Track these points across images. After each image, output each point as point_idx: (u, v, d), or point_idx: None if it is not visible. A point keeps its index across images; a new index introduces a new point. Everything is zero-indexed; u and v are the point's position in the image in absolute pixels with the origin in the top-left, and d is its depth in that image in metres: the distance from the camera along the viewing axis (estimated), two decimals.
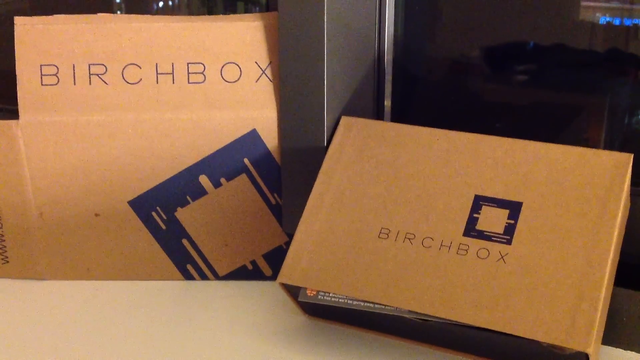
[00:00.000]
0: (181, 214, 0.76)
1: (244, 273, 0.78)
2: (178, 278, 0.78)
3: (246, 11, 0.91)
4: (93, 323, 0.70)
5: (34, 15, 0.73)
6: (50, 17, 0.73)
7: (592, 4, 0.71)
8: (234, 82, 0.73)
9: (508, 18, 0.75)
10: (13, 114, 0.74)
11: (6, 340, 0.68)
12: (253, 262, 0.77)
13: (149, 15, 0.73)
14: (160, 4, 1.03)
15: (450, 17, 0.80)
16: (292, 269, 0.64)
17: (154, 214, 0.76)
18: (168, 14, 0.95)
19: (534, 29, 0.74)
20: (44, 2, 1.07)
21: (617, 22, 0.70)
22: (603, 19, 0.70)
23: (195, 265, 0.77)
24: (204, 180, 0.75)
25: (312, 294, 0.63)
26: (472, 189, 0.62)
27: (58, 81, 0.73)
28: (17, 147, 0.74)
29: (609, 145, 0.72)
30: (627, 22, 0.69)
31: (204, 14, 0.95)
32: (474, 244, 0.60)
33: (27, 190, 0.75)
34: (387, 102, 0.79)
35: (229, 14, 0.74)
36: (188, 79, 0.73)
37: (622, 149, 0.60)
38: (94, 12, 0.74)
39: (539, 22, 0.73)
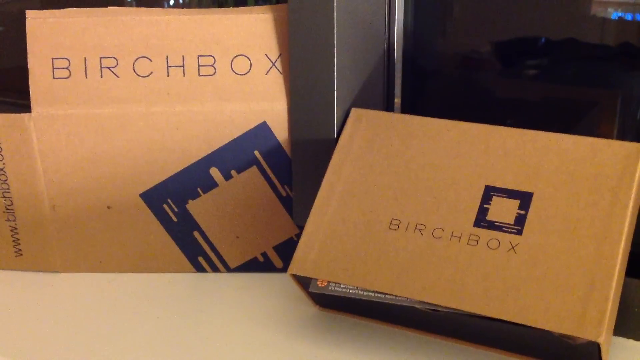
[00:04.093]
0: (192, 206, 0.76)
1: (255, 265, 0.78)
2: (189, 270, 0.78)
3: (257, 5, 0.91)
4: (105, 315, 0.71)
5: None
6: (61, 10, 0.73)
7: None
8: (244, 74, 0.73)
9: (519, 12, 0.75)
10: (25, 107, 0.74)
11: (20, 332, 0.68)
12: (264, 254, 0.78)
13: (159, 8, 0.74)
14: (171, 1, 1.03)
15: (461, 10, 0.79)
16: (302, 260, 0.64)
17: (165, 206, 0.76)
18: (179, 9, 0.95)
19: (546, 24, 0.73)
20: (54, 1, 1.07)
21: (629, 17, 0.70)
22: (615, 14, 0.70)
23: (207, 257, 0.78)
24: (214, 172, 0.75)
25: (322, 285, 0.63)
26: (483, 180, 0.62)
27: (70, 74, 0.73)
28: (30, 140, 0.74)
29: (621, 140, 0.72)
30: None
31: (214, 7, 0.96)
32: (485, 234, 0.60)
33: (40, 183, 0.75)
34: (397, 95, 0.79)
35: (239, 7, 0.74)
36: (198, 71, 0.73)
37: None
38: (105, 6, 0.74)
39: (550, 17, 0.73)
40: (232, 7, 0.95)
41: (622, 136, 0.72)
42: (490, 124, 0.65)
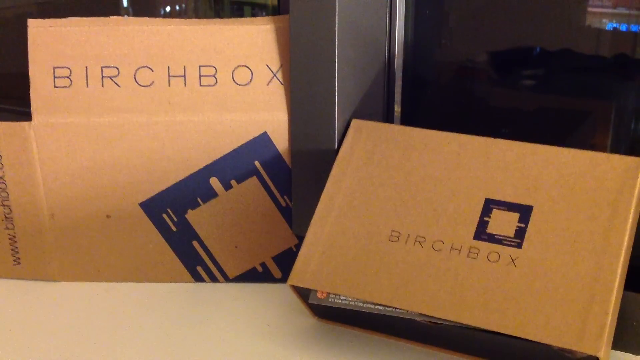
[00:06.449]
0: (192, 216, 0.76)
1: (254, 275, 0.78)
2: (188, 280, 0.78)
3: (253, 15, 0.91)
4: (103, 324, 0.70)
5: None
6: (63, 19, 0.73)
7: (598, 10, 0.71)
8: (245, 85, 0.73)
9: (516, 24, 0.75)
10: (26, 115, 0.74)
11: (17, 341, 0.68)
12: (263, 265, 0.78)
13: (161, 18, 0.74)
14: (168, 8, 1.03)
15: (460, 22, 0.80)
16: (302, 271, 0.64)
17: (164, 215, 0.76)
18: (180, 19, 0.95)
19: (541, 35, 0.74)
20: (51, 7, 1.08)
21: (623, 28, 0.70)
22: (610, 25, 0.70)
23: (205, 267, 0.78)
24: (214, 182, 0.75)
25: (322, 297, 0.63)
26: (483, 193, 0.62)
27: (71, 83, 0.73)
28: (30, 148, 0.74)
29: (615, 151, 0.72)
30: (634, 28, 0.70)
31: (210, 18, 0.96)
32: (485, 247, 0.60)
33: (39, 191, 0.75)
34: (397, 106, 0.79)
35: (240, 18, 0.74)
36: (200, 81, 0.73)
37: (628, 154, 0.60)
38: (102, 14, 0.74)
39: (547, 28, 0.73)
40: (229, 15, 0.96)
41: (616, 146, 0.73)
42: (487, 132, 0.65)
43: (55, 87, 0.73)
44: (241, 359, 0.64)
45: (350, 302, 0.62)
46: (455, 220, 0.62)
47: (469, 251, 0.60)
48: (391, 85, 0.78)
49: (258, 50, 0.73)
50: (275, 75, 0.73)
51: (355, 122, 0.70)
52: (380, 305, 0.61)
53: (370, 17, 0.73)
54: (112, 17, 0.73)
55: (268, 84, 0.73)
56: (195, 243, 0.77)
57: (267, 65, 0.73)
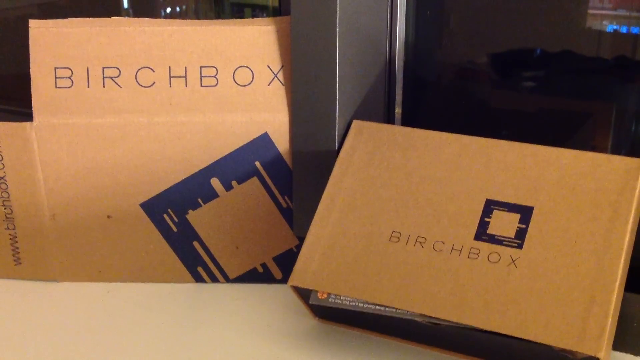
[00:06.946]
0: (192, 216, 0.76)
1: (255, 276, 0.78)
2: (189, 280, 0.78)
3: (253, 17, 0.92)
4: (104, 325, 0.70)
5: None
6: (64, 20, 0.73)
7: (599, 12, 0.71)
8: (246, 85, 0.73)
9: (517, 25, 0.75)
10: (27, 116, 0.74)
11: (18, 341, 0.68)
12: (263, 265, 0.78)
13: (162, 19, 0.74)
14: (168, 9, 1.03)
15: (461, 23, 0.80)
16: (303, 272, 0.64)
17: (165, 216, 0.76)
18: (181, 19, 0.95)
19: (542, 36, 0.74)
20: (52, 8, 1.08)
21: (624, 30, 0.70)
22: (610, 27, 0.71)
23: (206, 267, 0.78)
24: (215, 183, 0.75)
25: (323, 297, 0.63)
26: (484, 193, 0.62)
27: (72, 84, 0.73)
28: (31, 149, 0.74)
29: (616, 152, 0.73)
30: (634, 30, 0.70)
31: (211, 19, 0.96)
32: (485, 248, 0.60)
33: (40, 192, 0.75)
34: (398, 107, 0.79)
35: (241, 19, 0.74)
36: (201, 82, 0.73)
37: (629, 155, 0.60)
38: (103, 15, 0.75)
39: (548, 30, 0.74)
40: (230, 16, 0.96)
41: (617, 147, 0.73)
42: (488, 134, 0.65)
43: (56, 87, 0.74)
44: None
45: (351, 303, 0.62)
46: (456, 221, 0.62)
47: (470, 252, 0.60)
48: (392, 86, 0.78)
49: (259, 51, 0.73)
50: (276, 76, 0.73)
51: (356, 123, 0.70)
52: (380, 305, 0.61)
53: (371, 18, 0.73)
54: (113, 18, 0.74)
55: (269, 84, 0.73)
56: (196, 243, 0.77)
57: (268, 66, 0.73)
